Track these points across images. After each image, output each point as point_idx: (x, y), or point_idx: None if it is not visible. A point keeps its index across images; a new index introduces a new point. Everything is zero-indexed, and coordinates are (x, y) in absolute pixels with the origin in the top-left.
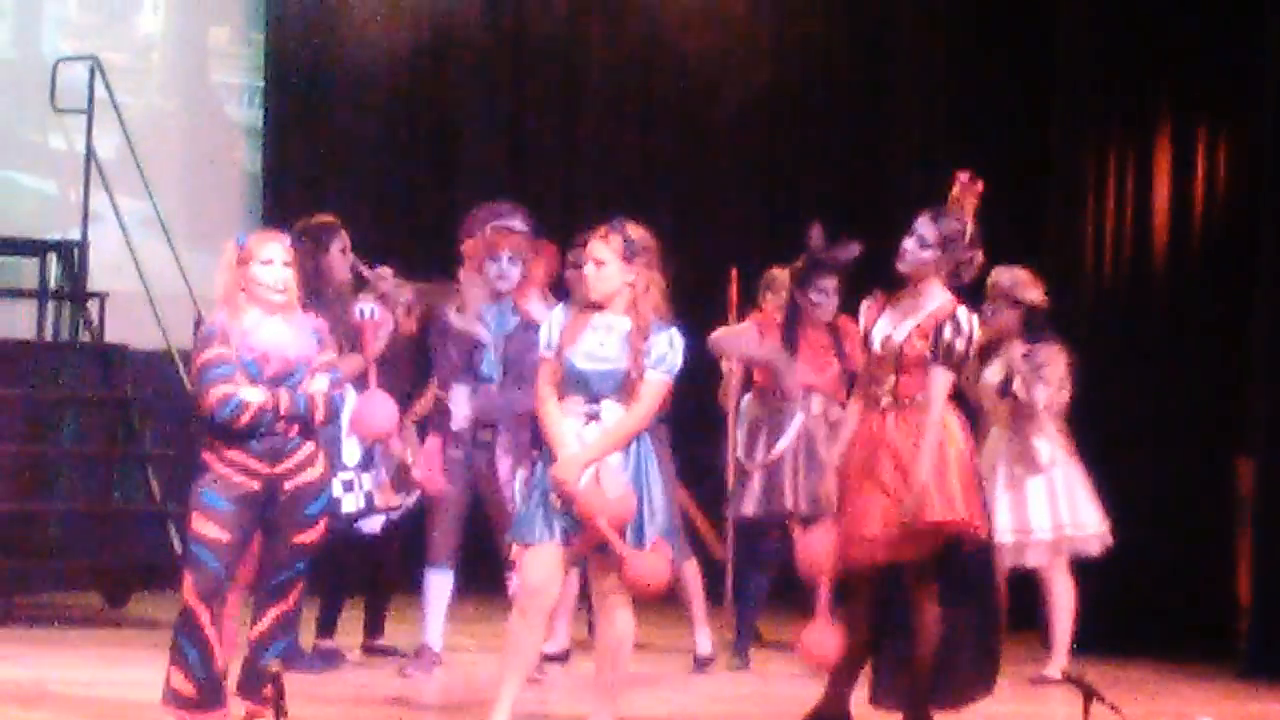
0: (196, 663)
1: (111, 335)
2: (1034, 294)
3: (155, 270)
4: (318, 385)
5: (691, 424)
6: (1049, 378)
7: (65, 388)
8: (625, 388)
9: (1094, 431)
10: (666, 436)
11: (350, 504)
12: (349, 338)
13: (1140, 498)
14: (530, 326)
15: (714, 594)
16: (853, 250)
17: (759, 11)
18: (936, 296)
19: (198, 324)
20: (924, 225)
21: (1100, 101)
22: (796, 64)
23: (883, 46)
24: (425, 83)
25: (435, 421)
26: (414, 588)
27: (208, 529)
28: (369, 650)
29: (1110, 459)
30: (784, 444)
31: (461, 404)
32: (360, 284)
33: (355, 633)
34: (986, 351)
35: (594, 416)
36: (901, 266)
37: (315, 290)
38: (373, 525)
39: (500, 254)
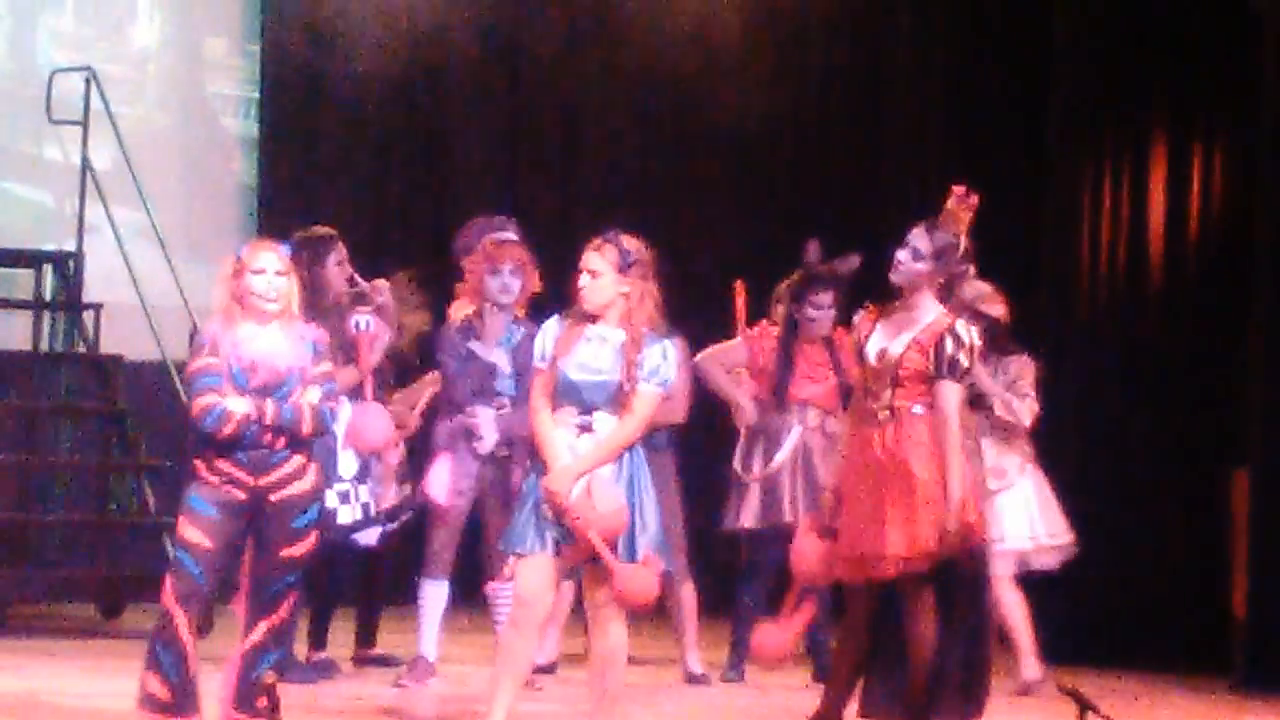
0: (170, 666)
1: (107, 346)
2: (998, 308)
3: (150, 281)
4: (308, 397)
5: (701, 438)
6: (1024, 391)
7: (60, 398)
8: (618, 399)
9: (1089, 442)
10: (673, 461)
11: (346, 515)
12: (345, 350)
13: (1135, 509)
14: (534, 337)
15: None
16: (852, 263)
17: (755, 24)
18: (930, 309)
19: (193, 335)
20: (918, 237)
21: (1096, 113)
22: (794, 79)
23: (879, 59)
24: (420, 95)
25: (447, 440)
26: (407, 599)
27: (191, 534)
28: (361, 661)
29: (1105, 470)
30: (781, 456)
31: (489, 427)
32: (357, 296)
33: (349, 644)
34: None
35: (586, 428)
36: (894, 278)
37: (311, 302)
38: (369, 537)
39: (502, 267)
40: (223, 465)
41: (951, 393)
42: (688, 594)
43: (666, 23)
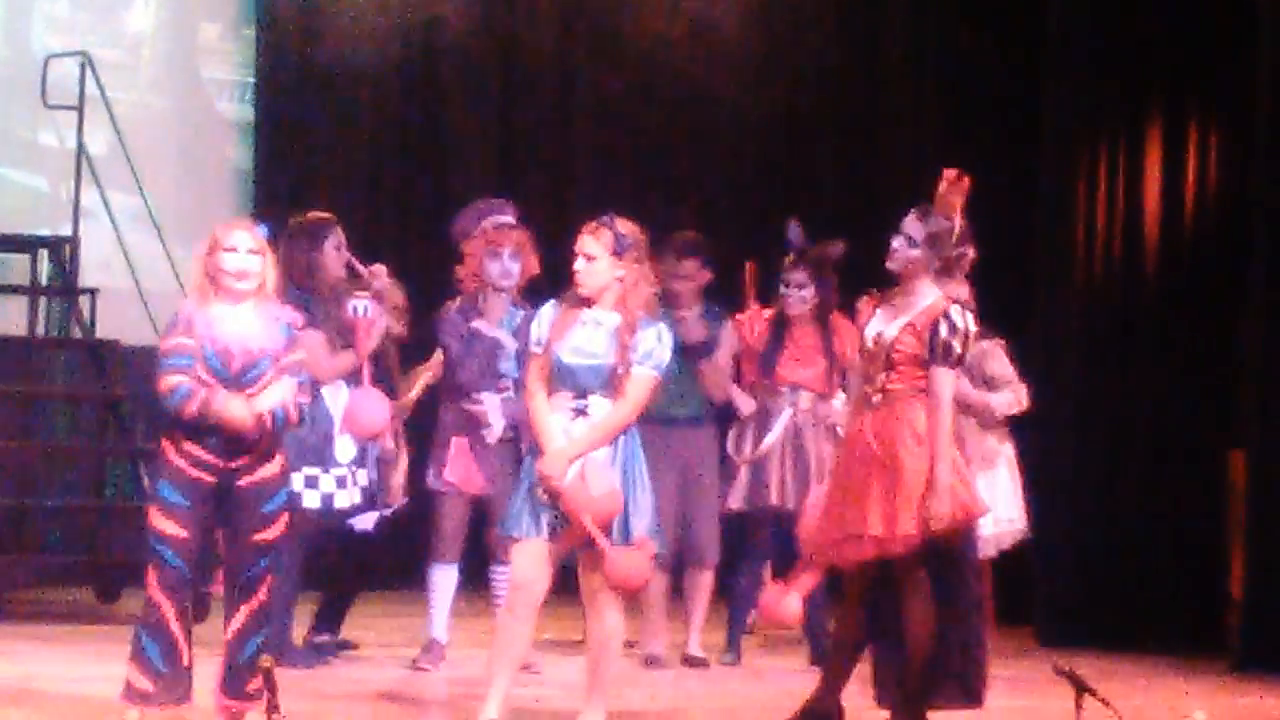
0: (158, 657)
1: (103, 331)
2: (962, 291)
3: (146, 266)
4: (273, 396)
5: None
6: (998, 377)
7: (56, 383)
8: (613, 383)
9: (1086, 424)
10: (717, 439)
11: (344, 500)
12: (343, 334)
13: (1132, 492)
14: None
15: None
16: (833, 249)
17: (751, 10)
18: (927, 294)
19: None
20: (911, 224)
21: (1090, 97)
22: (790, 61)
23: (873, 45)
24: (416, 78)
25: (458, 425)
26: (409, 584)
27: (166, 525)
28: (314, 646)
29: (1102, 453)
30: (770, 439)
31: (496, 413)
32: (355, 281)
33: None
34: None
35: (581, 412)
36: (891, 265)
37: (309, 286)
38: (366, 522)
39: (502, 251)
40: (191, 448)
41: (945, 378)
42: (705, 577)
43: (662, 10)
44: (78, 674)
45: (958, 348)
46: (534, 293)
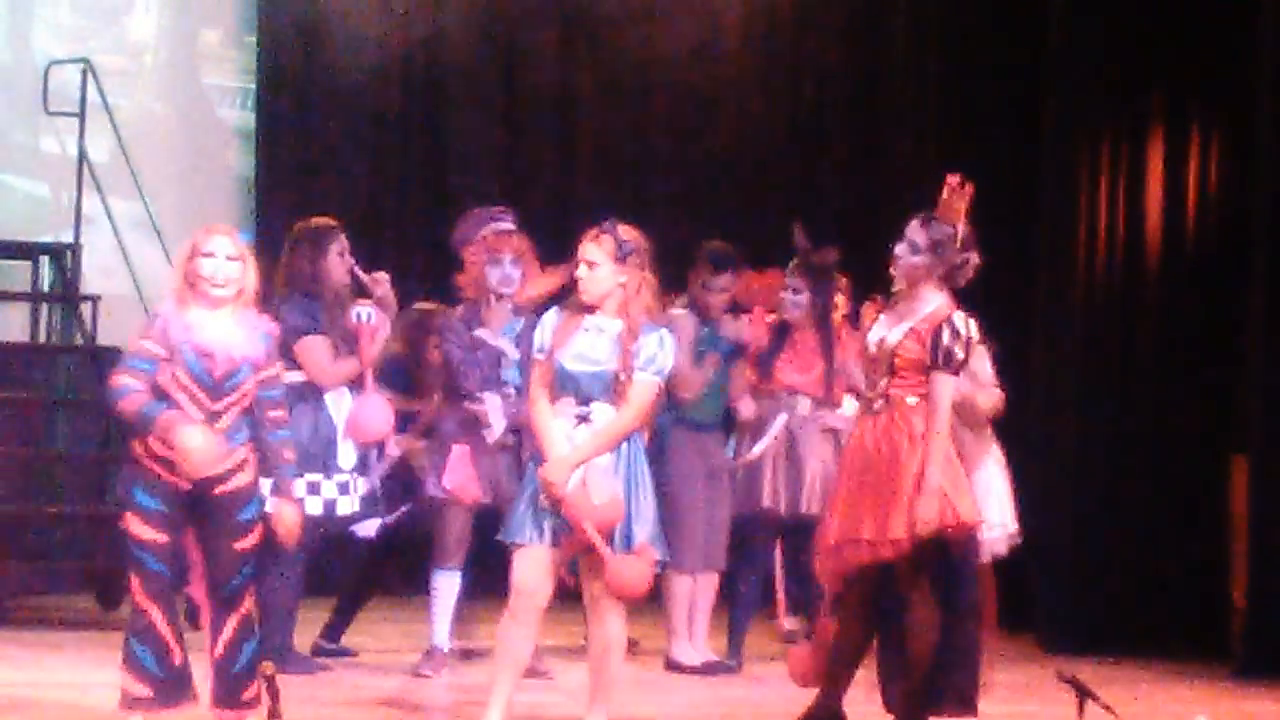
0: (152, 662)
1: (104, 338)
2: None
3: (148, 273)
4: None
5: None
6: (979, 374)
7: (58, 390)
8: (615, 389)
9: (1088, 430)
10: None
11: (346, 507)
12: (346, 341)
13: (1134, 497)
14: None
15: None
16: (828, 256)
17: (753, 16)
18: (931, 300)
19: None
20: (914, 231)
21: (1093, 102)
22: (792, 67)
23: (875, 50)
24: (417, 85)
25: (459, 431)
26: (415, 589)
27: (145, 532)
28: (322, 652)
29: (1104, 458)
30: (763, 444)
31: (497, 415)
32: (358, 287)
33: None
34: None
35: (584, 418)
36: (894, 272)
37: (312, 293)
38: (368, 529)
39: (502, 258)
40: (166, 452)
41: (945, 384)
42: (713, 581)
43: (665, 20)
44: (79, 681)
45: (960, 354)
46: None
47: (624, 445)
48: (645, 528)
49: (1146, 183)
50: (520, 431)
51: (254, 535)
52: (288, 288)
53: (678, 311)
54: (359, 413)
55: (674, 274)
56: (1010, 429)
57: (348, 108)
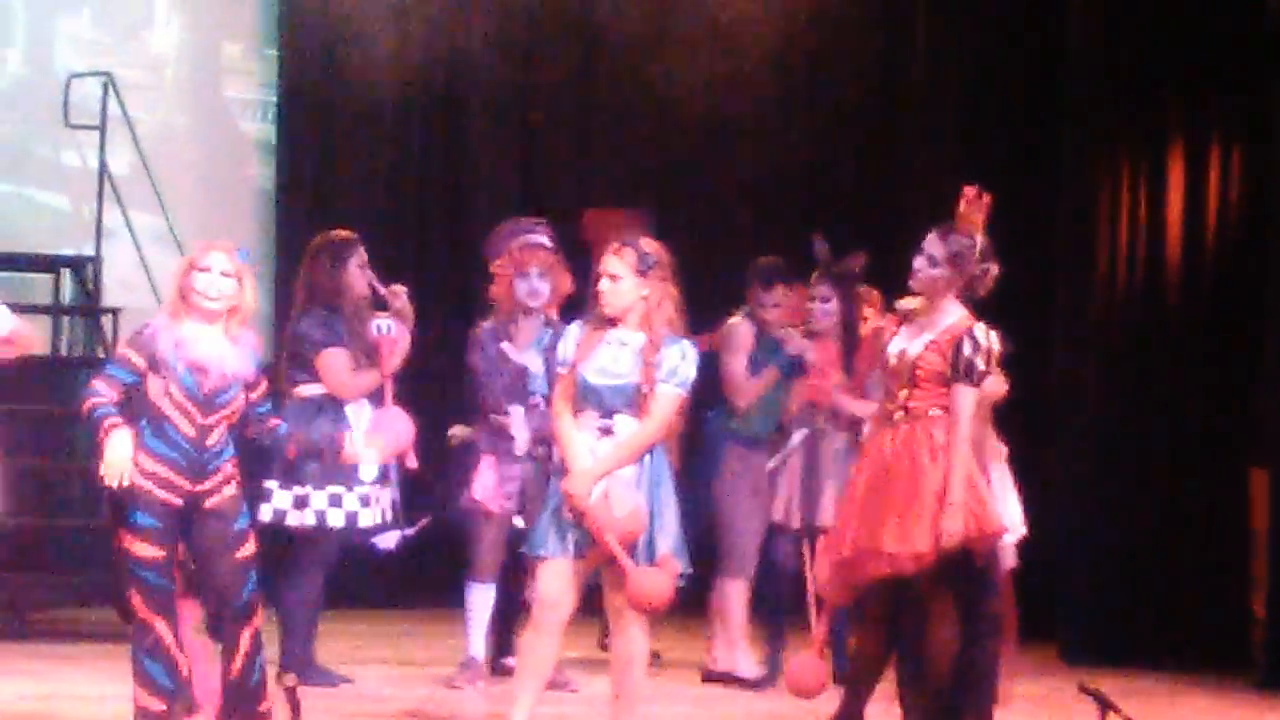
0: (163, 675)
1: None
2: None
3: (168, 285)
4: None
5: None
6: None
7: (79, 403)
8: (638, 402)
9: (1108, 441)
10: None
11: (367, 519)
12: (366, 354)
13: (1155, 508)
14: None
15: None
16: (856, 261)
17: (773, 30)
18: (952, 312)
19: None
20: (932, 243)
21: (1112, 115)
22: (811, 82)
23: (894, 63)
24: (438, 98)
25: (486, 443)
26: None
27: (143, 549)
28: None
29: (1124, 469)
30: (778, 458)
31: (520, 427)
32: (377, 300)
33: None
34: None
35: (607, 431)
36: (914, 285)
37: (332, 305)
38: (388, 542)
39: (529, 271)
40: (159, 468)
41: (966, 396)
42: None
43: (683, 35)
44: (99, 693)
45: (981, 365)
46: (574, 308)
47: (647, 457)
48: (668, 540)
49: (1166, 194)
50: (547, 442)
51: (251, 543)
52: (308, 300)
53: (734, 320)
54: (379, 425)
55: (691, 291)
56: (1030, 441)
57: (368, 121)
